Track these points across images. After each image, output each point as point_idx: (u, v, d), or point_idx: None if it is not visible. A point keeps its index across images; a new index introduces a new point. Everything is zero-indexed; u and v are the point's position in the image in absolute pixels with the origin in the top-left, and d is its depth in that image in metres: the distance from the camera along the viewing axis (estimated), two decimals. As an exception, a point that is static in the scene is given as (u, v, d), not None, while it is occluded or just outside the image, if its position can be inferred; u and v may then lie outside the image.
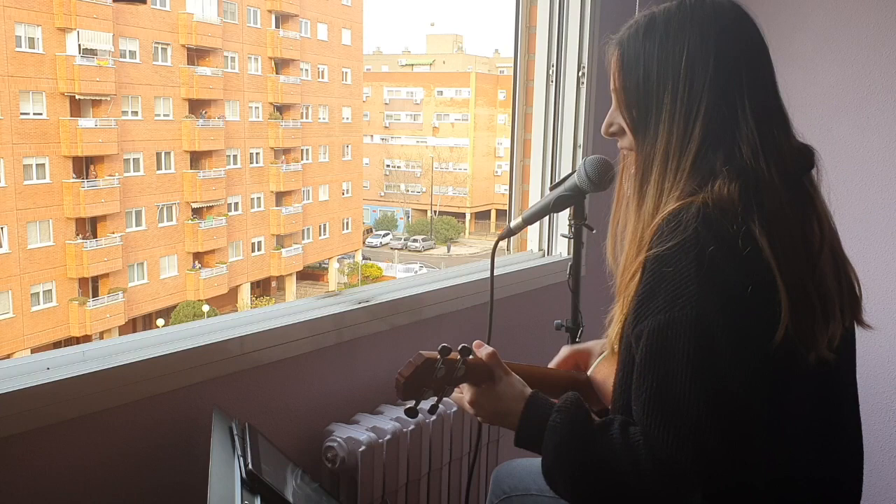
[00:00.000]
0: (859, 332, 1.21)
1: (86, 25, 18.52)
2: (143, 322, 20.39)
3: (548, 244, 2.54)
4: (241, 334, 1.60)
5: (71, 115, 18.45)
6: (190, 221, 21.62)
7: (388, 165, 38.81)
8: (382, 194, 38.14)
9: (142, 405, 1.44)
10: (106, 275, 19.17)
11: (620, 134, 1.22)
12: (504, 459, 1.90)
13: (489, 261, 1.69)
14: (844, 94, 2.59)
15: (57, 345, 15.44)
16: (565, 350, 1.48)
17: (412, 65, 41.69)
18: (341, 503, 1.68)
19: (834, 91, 2.60)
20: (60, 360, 1.39)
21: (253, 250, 23.98)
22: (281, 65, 25.23)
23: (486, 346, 1.23)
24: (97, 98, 18.93)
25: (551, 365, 1.46)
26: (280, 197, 25.01)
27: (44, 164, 17.92)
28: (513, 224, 1.68)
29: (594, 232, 1.61)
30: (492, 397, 1.20)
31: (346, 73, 28.42)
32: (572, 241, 1.69)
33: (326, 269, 27.60)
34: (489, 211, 37.50)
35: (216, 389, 1.55)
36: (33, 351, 15.53)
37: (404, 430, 1.77)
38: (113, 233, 19.27)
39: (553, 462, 1.09)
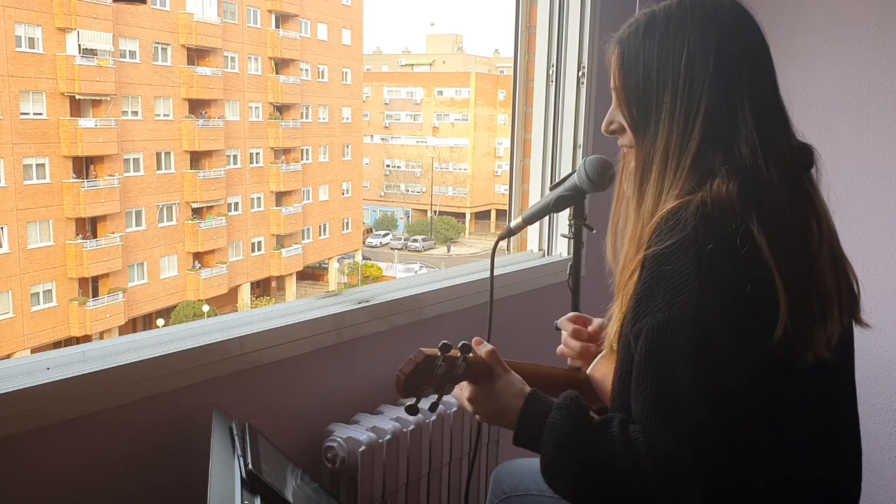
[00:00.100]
0: (859, 332, 1.21)
1: (86, 25, 18.52)
2: (143, 322, 20.40)
3: (548, 244, 2.54)
4: (241, 334, 1.60)
5: (71, 115, 18.46)
6: (190, 221, 21.63)
7: (388, 165, 38.82)
8: (382, 194, 38.15)
9: (142, 405, 1.44)
10: (106, 275, 19.18)
11: (620, 132, 1.22)
12: (504, 459, 1.90)
13: (489, 261, 1.69)
14: (844, 94, 2.59)
15: (57, 345, 15.45)
16: (572, 313, 1.48)
17: (412, 65, 41.70)
18: (341, 503, 1.68)
19: (834, 91, 2.60)
20: (60, 360, 1.39)
21: (253, 250, 23.99)
22: (281, 65, 25.23)
23: (485, 343, 1.23)
24: (97, 98, 18.94)
25: (563, 319, 1.45)
26: (280, 197, 25.01)
27: (44, 164, 17.93)
28: (513, 224, 1.68)
29: (594, 232, 1.61)
30: (491, 395, 1.20)
31: (346, 73, 28.43)
32: (572, 241, 1.69)
33: (326, 269, 27.61)
34: (489, 211, 37.50)
35: (216, 389, 1.55)
36: (33, 351, 15.53)
37: (404, 430, 1.78)
38: (113, 233, 19.28)
39: (552, 460, 1.09)
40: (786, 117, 1.16)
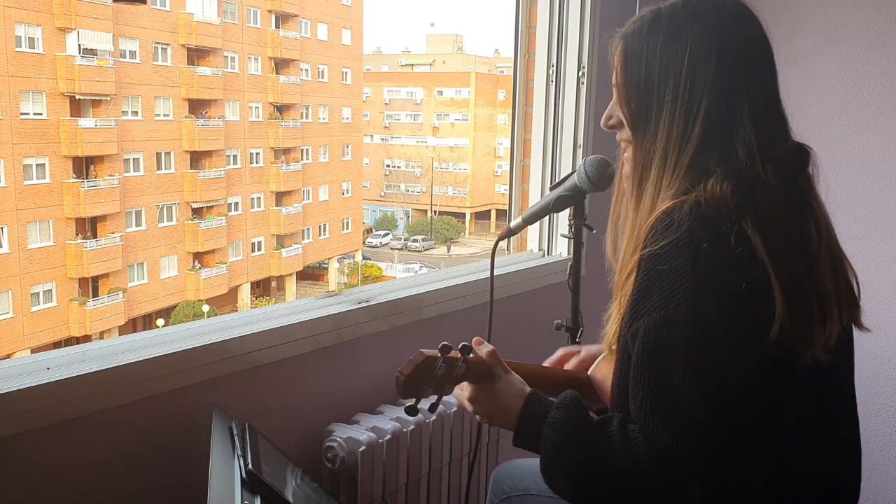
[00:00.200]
0: (859, 333, 1.21)
1: (86, 25, 18.52)
2: (143, 322, 20.39)
3: (548, 244, 2.54)
4: (241, 334, 1.60)
5: (71, 115, 18.45)
6: (190, 221, 21.63)
7: (388, 165, 38.82)
8: (382, 194, 38.14)
9: (142, 405, 1.44)
10: (106, 275, 19.18)
11: (619, 127, 1.23)
12: (504, 459, 1.90)
13: (489, 261, 1.69)
14: (844, 94, 2.59)
15: (57, 345, 15.45)
16: (560, 351, 1.48)
17: (412, 65, 41.70)
18: (341, 503, 1.68)
19: (834, 91, 2.60)
20: (60, 360, 1.39)
21: (253, 250, 23.98)
22: (281, 65, 25.23)
23: (486, 343, 1.23)
24: (97, 98, 18.94)
25: (545, 365, 1.46)
26: (280, 197, 25.01)
27: (44, 164, 17.93)
28: (513, 224, 1.68)
29: (594, 232, 1.61)
30: (491, 395, 1.20)
31: (346, 73, 28.43)
32: (572, 241, 1.69)
33: (326, 269, 27.61)
34: (489, 211, 37.50)
35: (216, 389, 1.55)
36: (33, 351, 15.53)
37: (404, 430, 1.78)
38: (113, 233, 19.28)
39: (552, 459, 1.09)
40: (784, 120, 1.16)
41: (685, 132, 1.11)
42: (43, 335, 17.57)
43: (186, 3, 21.64)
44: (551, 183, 2.39)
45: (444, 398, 1.21)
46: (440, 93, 38.19)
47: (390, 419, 1.78)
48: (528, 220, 1.66)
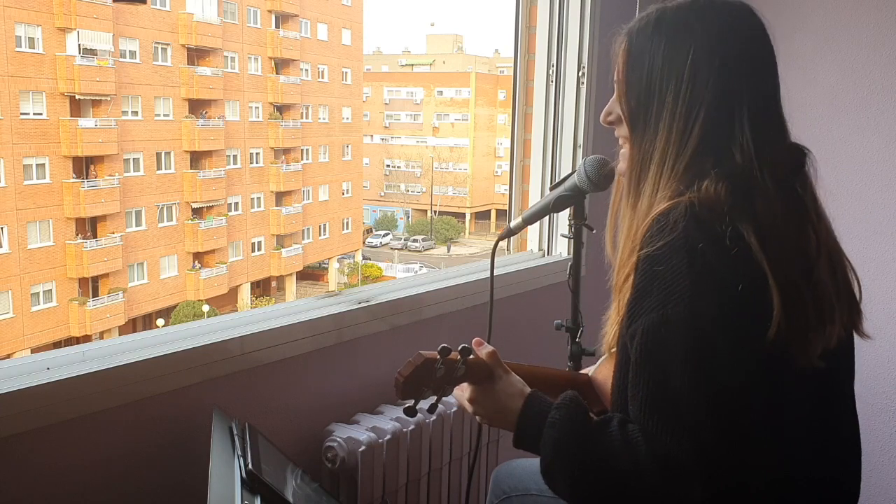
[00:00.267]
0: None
1: (86, 25, 18.52)
2: (143, 322, 20.39)
3: (548, 244, 2.54)
4: (241, 334, 1.60)
5: (71, 115, 18.45)
6: (190, 221, 21.63)
7: (388, 165, 38.82)
8: (382, 194, 38.14)
9: (142, 405, 1.44)
10: (106, 275, 19.18)
11: (618, 123, 1.23)
12: (504, 459, 1.90)
13: (489, 261, 1.69)
14: (844, 94, 2.59)
15: (57, 345, 15.45)
16: None
17: (412, 65, 41.70)
18: (341, 503, 1.68)
19: (834, 91, 2.60)
20: (60, 360, 1.39)
21: (253, 250, 23.98)
22: (281, 65, 25.23)
23: (486, 344, 1.23)
24: (97, 98, 18.94)
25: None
26: (280, 197, 25.01)
27: (44, 164, 17.93)
28: (513, 224, 1.68)
29: (594, 232, 1.61)
30: (491, 396, 1.20)
31: (346, 73, 28.43)
32: (572, 241, 1.69)
33: (326, 269, 27.61)
34: (489, 211, 37.50)
35: (216, 389, 1.55)
36: (33, 351, 15.53)
37: (404, 430, 1.77)
38: (113, 233, 19.28)
39: (552, 460, 1.09)
40: (783, 123, 1.16)
41: (684, 134, 1.11)
42: (43, 335, 17.57)
43: (186, 3, 21.65)
44: (551, 183, 2.39)
45: (445, 398, 1.21)
46: (440, 93, 38.19)
47: (390, 419, 1.78)
48: (528, 220, 1.66)
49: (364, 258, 29.63)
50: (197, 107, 22.00)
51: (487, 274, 1.72)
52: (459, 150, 37.71)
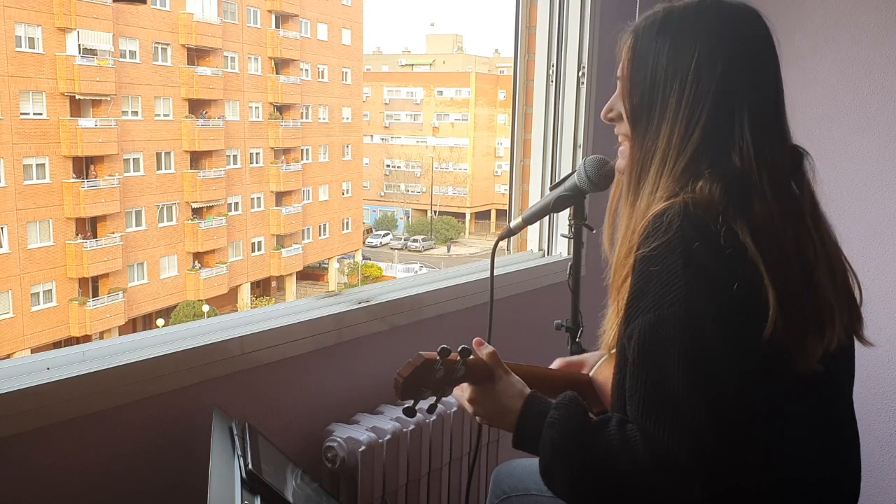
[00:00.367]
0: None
1: (86, 25, 18.52)
2: (143, 322, 20.39)
3: (548, 244, 2.54)
4: (241, 334, 1.60)
5: (71, 115, 18.45)
6: (190, 221, 21.63)
7: (388, 165, 38.81)
8: (382, 194, 38.14)
9: (142, 405, 1.44)
10: (106, 275, 19.18)
11: (618, 120, 1.23)
12: (504, 459, 1.90)
13: (489, 261, 1.69)
14: (844, 94, 2.59)
15: (57, 345, 15.45)
16: (558, 362, 1.48)
17: (412, 65, 41.70)
18: (341, 503, 1.68)
19: (834, 91, 2.60)
20: (60, 360, 1.39)
21: (253, 250, 23.98)
22: (281, 65, 25.23)
23: (486, 345, 1.23)
24: (97, 98, 18.94)
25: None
26: (280, 197, 25.01)
27: (44, 164, 17.92)
28: (513, 224, 1.68)
29: (594, 232, 1.61)
30: (491, 396, 1.20)
31: (346, 73, 28.43)
32: (572, 241, 1.69)
33: (326, 269, 27.61)
34: (489, 211, 37.50)
35: (216, 389, 1.55)
36: (33, 351, 15.53)
37: (404, 430, 1.77)
38: (113, 233, 19.28)
39: (551, 460, 1.09)
40: (784, 127, 1.17)
41: (685, 135, 1.11)
42: (43, 335, 17.57)
43: (186, 3, 21.64)
44: (551, 183, 2.39)
45: (444, 399, 1.21)
46: (440, 93, 38.18)
47: (390, 419, 1.78)
48: (528, 220, 1.66)
49: (364, 258, 29.63)
50: (197, 107, 22.00)
51: (487, 274, 1.72)
52: (459, 150, 37.71)
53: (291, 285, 25.45)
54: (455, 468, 1.96)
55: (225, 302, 21.96)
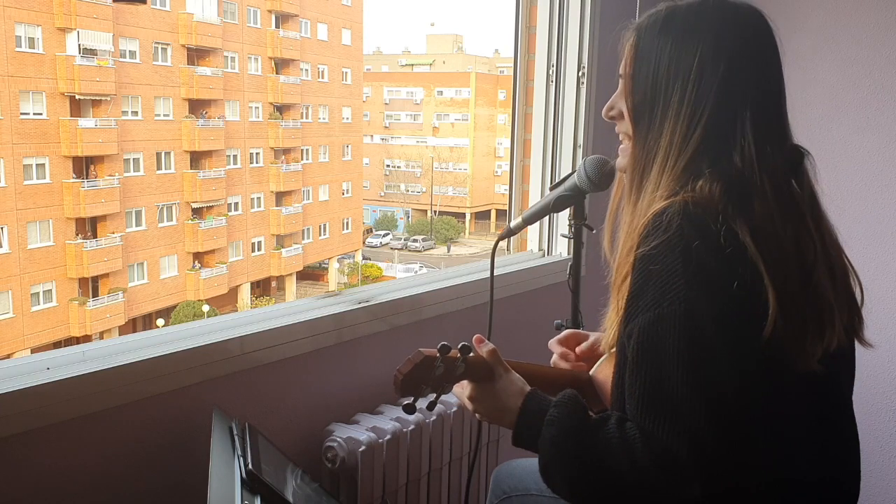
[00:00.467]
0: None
1: (86, 25, 18.52)
2: (143, 322, 20.39)
3: (548, 244, 2.54)
4: (241, 334, 1.60)
5: (71, 115, 18.45)
6: (190, 221, 21.63)
7: (388, 165, 38.81)
8: (382, 194, 38.14)
9: (142, 405, 1.44)
10: (106, 275, 19.17)
11: (619, 118, 1.23)
12: (504, 459, 1.90)
13: (489, 261, 1.69)
14: (844, 94, 2.59)
15: (57, 345, 15.45)
16: (566, 332, 1.48)
17: (412, 65, 41.70)
18: (341, 503, 1.68)
19: (834, 91, 2.60)
20: (60, 360, 1.39)
21: (253, 250, 23.98)
22: (281, 65, 25.23)
23: (486, 342, 1.24)
24: (97, 98, 18.94)
25: (553, 341, 1.46)
26: (280, 197, 25.01)
27: (44, 164, 17.92)
28: (513, 224, 1.68)
29: (594, 232, 1.61)
30: (491, 394, 1.20)
31: (346, 73, 28.43)
32: (572, 241, 1.69)
33: (326, 269, 27.61)
34: (489, 211, 37.50)
35: (216, 389, 1.55)
36: (33, 351, 15.53)
37: (404, 430, 1.77)
38: (113, 233, 19.28)
39: (550, 458, 1.09)
40: (785, 127, 1.17)
41: (687, 134, 1.11)
42: (43, 335, 17.56)
43: (186, 3, 21.64)
44: (551, 183, 2.39)
45: (444, 397, 1.21)
46: (440, 93, 38.18)
47: (390, 419, 1.78)
48: (528, 220, 1.66)
49: (364, 258, 29.62)
50: (197, 107, 22.00)
51: (487, 274, 1.72)
52: (459, 150, 37.70)
53: (291, 285, 25.45)
54: (455, 468, 1.96)
55: (225, 302, 21.96)
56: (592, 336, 1.44)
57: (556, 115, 2.49)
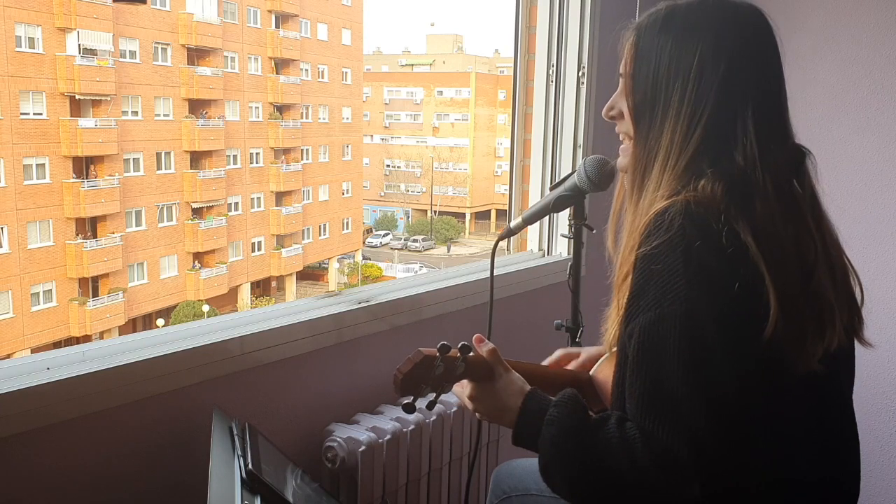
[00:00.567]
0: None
1: (86, 25, 18.52)
2: (143, 322, 20.39)
3: (548, 244, 2.54)
4: (241, 334, 1.60)
5: (71, 115, 18.45)
6: (190, 221, 21.63)
7: (388, 165, 38.82)
8: (382, 194, 38.14)
9: (142, 405, 1.44)
10: (106, 275, 19.18)
11: (619, 118, 1.23)
12: (504, 459, 1.90)
13: (489, 261, 1.69)
14: (844, 94, 2.59)
15: (57, 345, 15.45)
16: (558, 352, 1.48)
17: (412, 65, 41.70)
18: (341, 503, 1.68)
19: (834, 91, 2.60)
20: (60, 360, 1.39)
21: (253, 250, 23.98)
22: (281, 65, 25.23)
23: (486, 342, 1.24)
24: (97, 98, 18.94)
25: (546, 363, 1.46)
26: (280, 197, 25.01)
27: (44, 164, 17.93)
28: (513, 224, 1.68)
29: (594, 232, 1.61)
30: (491, 393, 1.20)
31: (346, 73, 28.43)
32: (572, 241, 1.69)
33: (326, 269, 27.61)
34: (489, 211, 37.50)
35: (216, 389, 1.55)
36: (33, 351, 15.53)
37: (404, 430, 1.77)
38: (113, 233, 19.28)
39: (550, 457, 1.09)
40: (787, 126, 1.16)
41: (688, 133, 1.11)
42: (43, 335, 17.57)
43: (186, 3, 21.64)
44: (551, 183, 2.39)
45: (444, 397, 1.21)
46: (440, 93, 38.18)
47: (390, 419, 1.78)
48: (528, 220, 1.66)
49: (364, 258, 29.63)
50: (197, 107, 22.00)
51: (487, 274, 1.72)
52: (459, 150, 37.70)
53: (291, 285, 25.45)
54: (455, 468, 1.95)
55: (225, 302, 21.96)
56: (584, 353, 1.45)
57: (556, 115, 2.49)
